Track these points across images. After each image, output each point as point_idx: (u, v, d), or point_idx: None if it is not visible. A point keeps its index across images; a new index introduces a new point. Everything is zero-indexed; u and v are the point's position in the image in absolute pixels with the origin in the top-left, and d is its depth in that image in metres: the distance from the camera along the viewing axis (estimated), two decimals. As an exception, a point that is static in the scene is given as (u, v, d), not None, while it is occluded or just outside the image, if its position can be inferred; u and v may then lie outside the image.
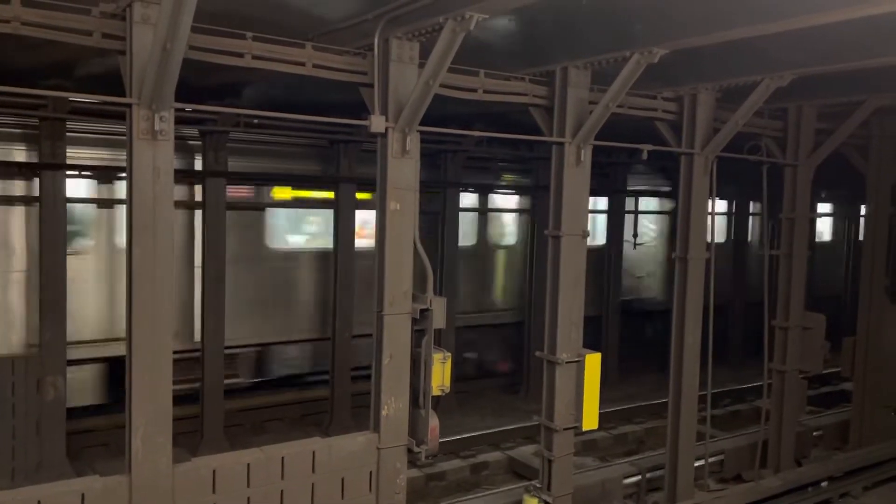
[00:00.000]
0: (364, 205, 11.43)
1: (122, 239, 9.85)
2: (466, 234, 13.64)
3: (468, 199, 13.76)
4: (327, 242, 11.79)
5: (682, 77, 7.94)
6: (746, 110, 7.96)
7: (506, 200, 14.49)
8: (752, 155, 9.35)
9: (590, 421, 7.52)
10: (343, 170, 11.41)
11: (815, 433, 11.25)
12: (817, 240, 19.02)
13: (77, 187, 9.94)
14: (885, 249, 11.11)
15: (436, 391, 6.44)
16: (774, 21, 5.54)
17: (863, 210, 14.59)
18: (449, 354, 6.54)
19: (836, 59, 6.76)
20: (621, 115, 7.64)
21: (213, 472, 5.63)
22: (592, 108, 7.19)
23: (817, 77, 7.45)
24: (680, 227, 8.69)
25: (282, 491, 5.89)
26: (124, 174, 8.34)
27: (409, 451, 6.47)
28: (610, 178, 15.24)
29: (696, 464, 9.03)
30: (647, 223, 16.67)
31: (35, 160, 9.21)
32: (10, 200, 9.56)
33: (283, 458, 5.90)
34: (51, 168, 8.96)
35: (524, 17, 5.71)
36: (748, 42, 5.99)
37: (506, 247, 14.49)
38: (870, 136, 10.75)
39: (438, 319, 6.44)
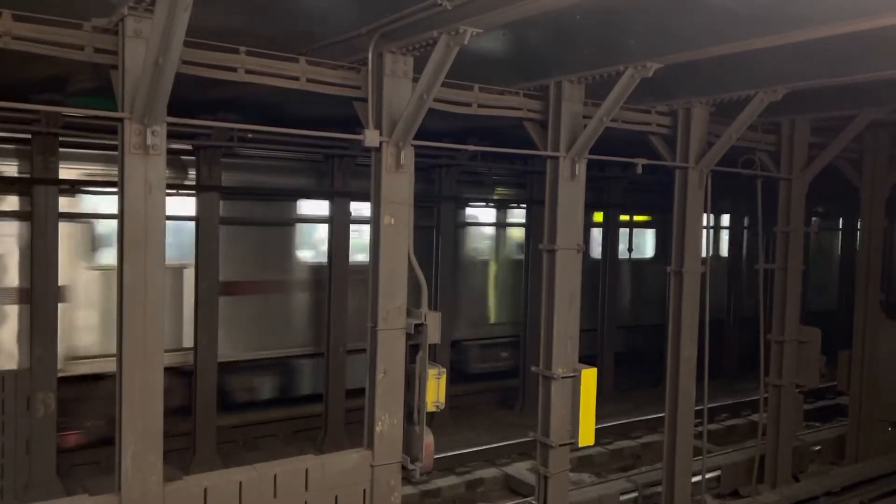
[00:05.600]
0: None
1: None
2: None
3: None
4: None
5: (675, 91, 7.96)
6: (740, 124, 7.98)
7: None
8: (746, 169, 9.37)
9: (586, 437, 7.46)
10: (337, 184, 11.39)
11: (812, 448, 11.20)
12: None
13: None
14: (880, 263, 11.12)
15: (430, 407, 6.38)
16: (768, 35, 5.56)
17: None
18: (444, 370, 6.49)
19: (829, 74, 6.79)
20: (616, 129, 7.65)
21: (205, 490, 5.55)
22: (587, 122, 7.18)
23: (810, 91, 7.47)
24: (675, 241, 8.68)
25: (274, 509, 5.81)
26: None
27: (404, 468, 6.40)
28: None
29: (693, 479, 8.98)
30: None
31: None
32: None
33: (275, 475, 5.82)
34: (42, 183, 8.91)
35: (518, 31, 5.71)
36: (742, 56, 6.00)
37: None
38: (863, 149, 10.78)
39: (433, 334, 6.39)
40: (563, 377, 7.36)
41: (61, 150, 9.13)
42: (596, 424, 7.57)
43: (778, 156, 9.72)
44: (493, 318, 14.41)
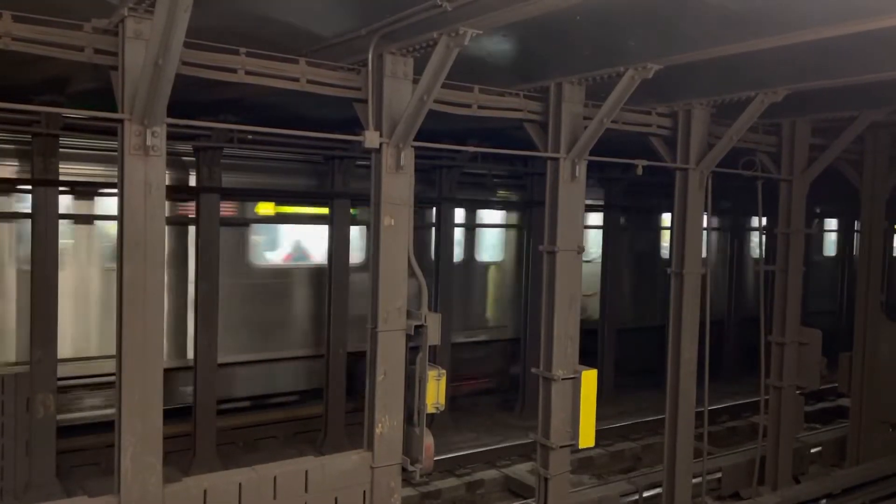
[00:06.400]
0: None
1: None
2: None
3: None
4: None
5: (676, 92, 7.95)
6: (741, 125, 7.97)
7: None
8: (746, 170, 9.36)
9: (586, 438, 7.45)
10: (337, 185, 11.39)
11: (813, 450, 11.18)
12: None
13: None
14: (881, 264, 11.11)
15: (431, 409, 6.37)
16: (768, 36, 5.55)
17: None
18: (444, 371, 6.48)
19: (829, 75, 6.78)
20: (616, 130, 7.64)
21: (205, 492, 5.54)
22: (587, 123, 7.18)
23: (811, 92, 7.46)
24: (675, 242, 8.67)
25: (274, 511, 5.80)
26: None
27: (404, 469, 6.39)
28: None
29: (694, 481, 8.96)
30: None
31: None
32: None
33: (275, 477, 5.82)
34: (43, 184, 8.90)
35: (518, 32, 5.71)
36: (742, 57, 5.99)
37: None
38: (864, 150, 10.77)
39: (433, 336, 6.38)
40: (563, 379, 7.35)
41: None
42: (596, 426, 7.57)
43: (778, 157, 9.71)
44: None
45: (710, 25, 5.45)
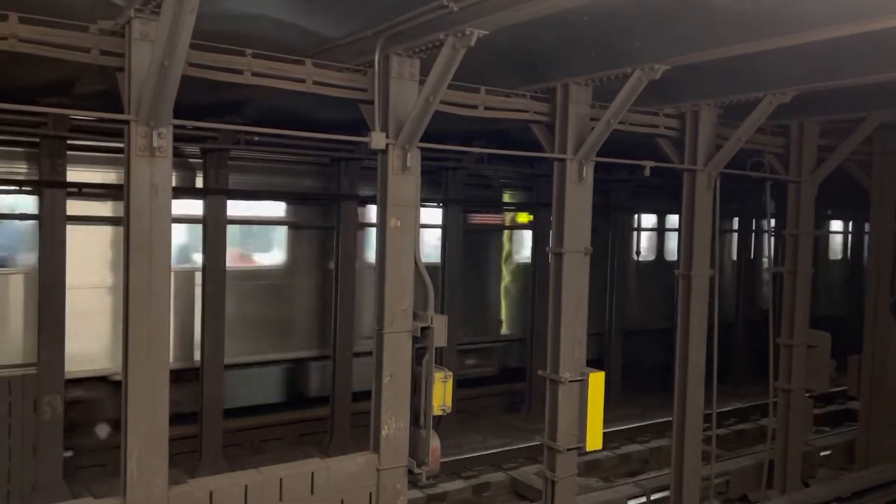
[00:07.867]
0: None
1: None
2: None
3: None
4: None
5: (683, 93, 7.92)
6: (748, 127, 7.93)
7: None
8: (755, 171, 9.31)
9: (593, 441, 7.41)
10: (344, 187, 11.39)
11: (822, 453, 11.10)
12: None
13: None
14: (890, 266, 11.03)
15: (437, 411, 6.35)
16: (775, 37, 5.52)
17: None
18: (450, 373, 6.46)
19: (837, 75, 6.73)
20: (623, 131, 7.61)
21: (210, 494, 5.53)
22: (594, 124, 7.16)
23: (819, 93, 7.41)
24: (683, 243, 8.63)
25: (279, 513, 5.79)
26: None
27: (410, 471, 6.37)
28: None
29: (702, 484, 8.90)
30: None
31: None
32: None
33: (281, 479, 5.80)
34: (51, 186, 8.93)
35: (525, 33, 5.69)
36: (749, 58, 5.96)
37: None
38: (872, 152, 10.71)
39: (440, 338, 6.35)
40: (570, 381, 7.32)
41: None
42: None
43: (787, 158, 9.66)
44: None
45: (716, 26, 5.42)
